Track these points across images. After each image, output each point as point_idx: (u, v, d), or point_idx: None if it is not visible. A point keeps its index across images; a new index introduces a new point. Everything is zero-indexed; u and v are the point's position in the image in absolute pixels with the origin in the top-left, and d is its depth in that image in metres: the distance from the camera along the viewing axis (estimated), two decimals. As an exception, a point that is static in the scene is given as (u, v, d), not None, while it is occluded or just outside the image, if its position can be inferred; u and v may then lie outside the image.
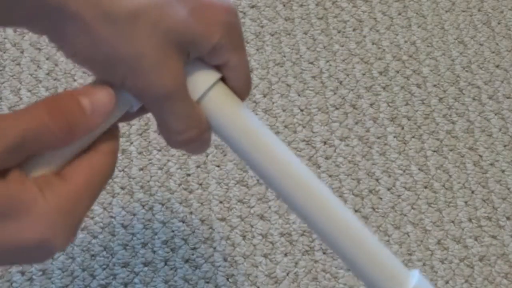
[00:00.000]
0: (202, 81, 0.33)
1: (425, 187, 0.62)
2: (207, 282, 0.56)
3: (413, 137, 0.64)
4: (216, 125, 0.34)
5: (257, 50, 0.67)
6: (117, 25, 0.29)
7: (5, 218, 0.27)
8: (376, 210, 0.60)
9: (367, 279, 0.33)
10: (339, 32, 0.69)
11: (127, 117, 0.35)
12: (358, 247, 0.33)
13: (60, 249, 0.29)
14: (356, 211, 0.60)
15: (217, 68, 0.34)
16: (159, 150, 0.61)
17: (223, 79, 0.34)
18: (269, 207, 0.59)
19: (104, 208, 0.58)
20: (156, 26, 0.30)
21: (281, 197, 0.34)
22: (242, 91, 0.35)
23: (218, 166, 0.61)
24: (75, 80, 0.63)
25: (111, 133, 0.32)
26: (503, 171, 0.63)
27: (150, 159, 0.60)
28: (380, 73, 0.67)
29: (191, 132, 0.33)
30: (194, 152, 0.37)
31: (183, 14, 0.31)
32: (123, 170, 0.59)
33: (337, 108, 0.65)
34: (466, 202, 0.61)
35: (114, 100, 0.31)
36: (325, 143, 0.63)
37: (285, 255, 0.58)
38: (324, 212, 0.33)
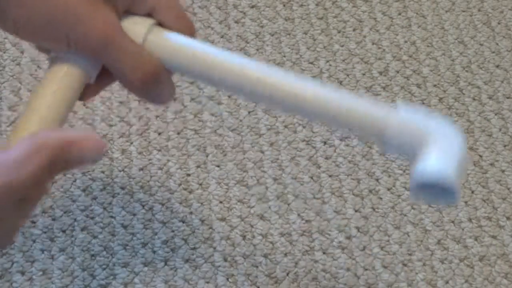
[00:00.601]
0: (138, 29, 0.37)
1: (425, 187, 0.62)
2: (207, 282, 0.56)
3: (413, 137, 0.64)
4: (166, 61, 0.38)
5: (257, 50, 0.67)
6: None
7: None
8: (376, 210, 0.60)
9: (358, 125, 0.36)
10: (339, 32, 0.69)
11: (90, 92, 0.39)
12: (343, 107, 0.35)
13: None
14: (356, 211, 0.60)
15: (150, 15, 0.38)
16: (159, 150, 0.61)
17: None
18: (269, 207, 0.59)
19: (104, 208, 0.58)
20: None
21: (254, 99, 0.38)
22: (182, 30, 0.38)
23: (218, 166, 0.61)
24: (75, 80, 0.63)
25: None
26: (503, 171, 0.63)
27: (150, 159, 0.60)
28: (380, 73, 0.67)
29: (143, 69, 0.36)
30: (160, 99, 0.39)
31: None
32: (123, 170, 0.59)
33: (337, 108, 0.65)
34: (466, 202, 0.61)
35: (102, 151, 0.35)
36: (325, 143, 0.63)
37: (285, 255, 0.58)
38: (293, 91, 0.37)
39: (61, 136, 0.33)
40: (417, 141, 0.34)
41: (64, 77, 0.37)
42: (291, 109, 0.38)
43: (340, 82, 0.66)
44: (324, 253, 0.58)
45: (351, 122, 0.36)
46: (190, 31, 0.39)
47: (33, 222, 0.57)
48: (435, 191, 0.32)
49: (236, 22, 0.68)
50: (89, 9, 0.35)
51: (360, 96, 0.37)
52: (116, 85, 0.63)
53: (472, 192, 0.62)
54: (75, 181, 0.58)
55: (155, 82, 0.37)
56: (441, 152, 0.32)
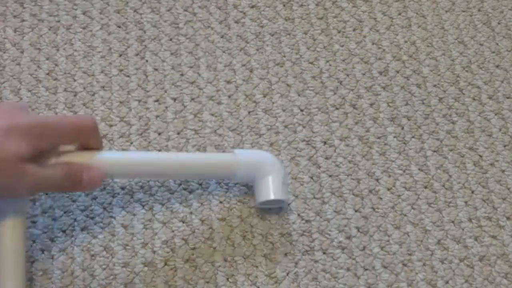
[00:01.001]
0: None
1: (425, 187, 0.62)
2: (207, 282, 0.56)
3: (413, 137, 0.64)
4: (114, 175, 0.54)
5: (257, 50, 0.67)
6: None
7: None
8: (376, 210, 0.60)
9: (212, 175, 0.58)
10: (339, 32, 0.69)
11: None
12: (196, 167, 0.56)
13: None
14: (356, 211, 0.60)
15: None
16: (159, 150, 0.61)
17: None
18: (269, 207, 0.59)
19: (104, 208, 0.58)
20: (3, 161, 0.46)
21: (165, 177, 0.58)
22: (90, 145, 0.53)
23: (218, 166, 0.61)
24: (75, 80, 0.63)
25: None
26: (503, 171, 0.63)
27: (150, 159, 0.60)
28: (380, 73, 0.67)
29: (83, 177, 0.50)
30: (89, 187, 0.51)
31: (21, 143, 0.47)
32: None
33: (337, 108, 0.65)
34: (466, 202, 0.61)
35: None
36: (325, 143, 0.63)
37: (285, 255, 0.58)
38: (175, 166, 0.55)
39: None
40: (257, 173, 0.56)
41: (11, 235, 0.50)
42: (173, 176, 0.58)
43: (340, 82, 0.66)
44: (324, 253, 0.58)
45: (210, 174, 0.57)
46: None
47: (33, 222, 0.57)
48: (273, 202, 0.57)
49: (236, 22, 0.68)
50: (16, 173, 0.47)
51: (207, 154, 0.59)
52: (116, 85, 0.63)
53: (472, 192, 0.62)
54: (75, 181, 0.58)
55: (75, 172, 0.51)
56: (273, 180, 0.56)
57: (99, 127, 0.61)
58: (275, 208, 0.59)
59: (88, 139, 0.51)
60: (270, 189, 0.56)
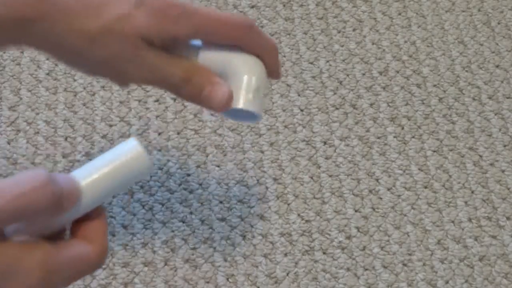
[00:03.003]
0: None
1: (425, 187, 0.62)
2: (207, 282, 0.56)
3: (413, 137, 0.64)
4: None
5: (257, 50, 0.67)
6: (91, 38, 0.39)
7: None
8: (376, 210, 0.60)
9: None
10: (339, 32, 0.69)
11: None
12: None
13: None
14: (356, 211, 0.60)
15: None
16: (159, 150, 0.61)
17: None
18: (269, 207, 0.59)
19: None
20: (122, 33, 0.39)
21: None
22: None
23: (218, 166, 0.61)
24: (75, 80, 0.63)
25: (102, 219, 0.37)
26: (503, 171, 0.63)
27: (150, 159, 0.60)
28: (380, 73, 0.67)
29: (205, 89, 0.42)
30: (214, 102, 0.42)
31: (149, 18, 0.39)
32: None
33: (337, 108, 0.65)
34: (466, 202, 0.61)
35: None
36: (325, 143, 0.63)
37: (285, 255, 0.58)
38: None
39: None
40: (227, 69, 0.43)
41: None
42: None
43: (340, 82, 0.66)
44: (324, 253, 0.58)
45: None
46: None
47: (33, 222, 0.57)
48: (243, 114, 0.44)
49: (236, 22, 0.68)
50: (135, 52, 0.40)
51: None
52: (116, 85, 0.63)
53: (472, 192, 0.62)
54: (75, 181, 0.58)
55: (199, 79, 0.43)
56: (247, 81, 0.42)
57: (100, 127, 0.61)
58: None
59: (243, 39, 0.42)
60: (240, 95, 0.42)
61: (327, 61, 0.67)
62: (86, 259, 0.35)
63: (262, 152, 0.62)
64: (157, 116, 0.62)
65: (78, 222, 0.36)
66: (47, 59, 0.64)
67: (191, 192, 0.59)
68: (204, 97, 0.42)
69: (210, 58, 0.43)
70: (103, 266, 0.56)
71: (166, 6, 0.40)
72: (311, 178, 0.61)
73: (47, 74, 0.63)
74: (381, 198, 0.61)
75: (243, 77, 0.42)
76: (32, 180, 0.31)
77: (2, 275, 0.31)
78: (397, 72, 0.67)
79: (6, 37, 0.39)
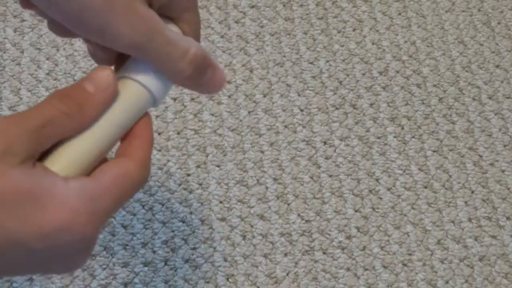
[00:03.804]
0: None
1: (425, 187, 0.62)
2: (207, 282, 0.56)
3: (413, 137, 0.64)
4: None
5: (257, 50, 0.67)
6: None
7: (28, 204, 0.29)
8: (376, 210, 0.60)
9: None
10: (339, 32, 0.69)
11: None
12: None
13: (86, 239, 0.30)
14: (356, 211, 0.60)
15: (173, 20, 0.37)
16: (159, 150, 0.61)
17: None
18: (269, 207, 0.59)
19: (104, 208, 0.58)
20: None
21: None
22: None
23: (218, 166, 0.61)
24: (75, 80, 0.63)
25: (144, 137, 0.35)
26: (503, 171, 0.63)
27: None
28: (380, 73, 0.67)
29: (192, 53, 0.35)
30: (213, 84, 0.38)
31: None
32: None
33: (337, 108, 0.65)
34: (466, 202, 0.61)
35: (112, 75, 0.33)
36: (325, 143, 0.63)
37: (285, 255, 0.58)
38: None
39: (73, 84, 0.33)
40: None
41: (129, 102, 0.35)
42: None
43: (340, 82, 0.66)
44: (324, 253, 0.58)
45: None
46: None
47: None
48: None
49: (236, 22, 0.68)
50: (125, 5, 0.33)
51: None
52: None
53: (472, 192, 0.62)
54: (75, 181, 0.58)
55: (205, 64, 0.36)
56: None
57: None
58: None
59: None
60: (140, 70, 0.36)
61: (327, 61, 0.67)
62: (127, 176, 0.33)
63: (262, 152, 0.62)
64: (157, 116, 0.62)
65: (121, 142, 0.35)
66: (47, 59, 0.64)
67: (191, 192, 0.59)
68: (207, 78, 0.37)
69: None
70: (103, 266, 0.56)
71: None
72: (311, 178, 0.61)
73: (47, 74, 0.63)
74: (381, 198, 0.61)
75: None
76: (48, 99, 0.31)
77: (35, 201, 0.29)
78: (397, 72, 0.67)
79: None
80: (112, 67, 0.35)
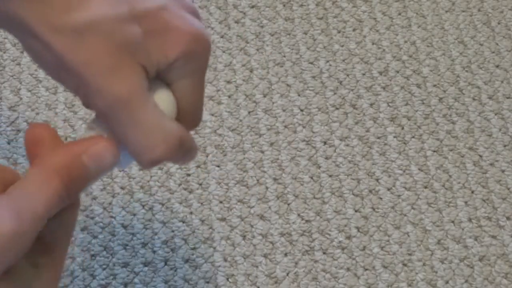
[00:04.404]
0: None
1: (425, 187, 0.62)
2: (207, 282, 0.56)
3: (413, 137, 0.64)
4: None
5: (257, 50, 0.67)
6: (65, 36, 0.29)
7: None
8: (376, 210, 0.60)
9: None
10: (339, 32, 0.69)
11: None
12: None
13: None
14: (356, 211, 0.60)
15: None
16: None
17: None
18: (269, 207, 0.59)
19: (104, 208, 0.58)
20: (106, 38, 0.29)
21: None
22: (188, 117, 0.34)
23: (218, 166, 0.61)
24: (75, 80, 0.63)
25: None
26: (503, 171, 0.63)
27: (150, 159, 0.60)
28: (380, 73, 0.67)
29: (160, 148, 0.30)
30: (183, 163, 0.35)
31: (137, 33, 0.30)
32: (123, 170, 0.59)
33: (337, 108, 0.65)
34: (466, 202, 0.61)
35: (115, 152, 0.30)
36: (325, 143, 0.63)
37: (285, 255, 0.58)
38: None
39: (66, 152, 0.29)
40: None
41: None
42: None
43: (340, 82, 0.66)
44: (324, 253, 0.58)
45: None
46: (195, 122, 0.35)
47: (33, 222, 0.57)
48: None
49: (236, 22, 0.68)
50: (109, 65, 0.30)
51: None
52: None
53: (472, 192, 0.62)
54: (75, 181, 0.58)
55: (180, 153, 0.32)
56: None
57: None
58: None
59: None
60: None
61: (327, 61, 0.67)
62: None
63: (262, 152, 0.62)
64: (157, 116, 0.62)
65: None
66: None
67: (191, 192, 0.59)
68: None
69: None
70: (103, 266, 0.56)
71: (178, 35, 0.32)
72: (311, 178, 0.61)
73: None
74: (381, 198, 0.61)
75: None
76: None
77: None
78: (397, 72, 0.67)
79: None
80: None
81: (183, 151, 0.32)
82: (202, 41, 0.32)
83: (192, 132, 0.61)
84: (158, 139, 0.30)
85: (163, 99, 0.32)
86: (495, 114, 0.66)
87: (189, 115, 0.33)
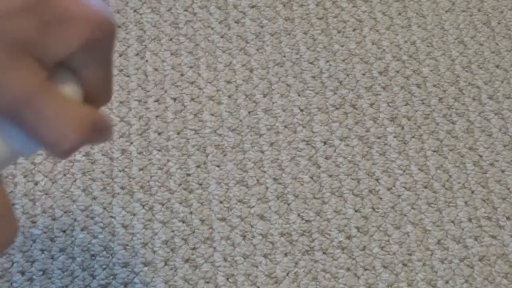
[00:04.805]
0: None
1: (425, 187, 0.62)
2: (207, 282, 0.56)
3: (413, 137, 0.64)
4: None
5: (257, 50, 0.67)
6: None
7: None
8: (376, 210, 0.60)
9: None
10: (339, 32, 0.69)
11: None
12: None
13: None
14: (356, 211, 0.60)
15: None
16: (159, 150, 0.61)
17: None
18: (269, 207, 0.59)
19: (104, 208, 0.58)
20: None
21: None
22: (98, 97, 0.33)
23: (218, 166, 0.61)
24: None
25: None
26: (503, 171, 0.63)
27: (150, 159, 0.60)
28: (380, 73, 0.67)
29: (71, 138, 0.30)
30: (100, 142, 0.34)
31: (31, 27, 0.29)
32: (123, 170, 0.59)
33: (337, 108, 0.65)
34: (466, 202, 0.61)
35: None
36: (325, 143, 0.63)
37: (285, 255, 0.58)
38: None
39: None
40: None
41: None
42: None
43: (340, 82, 0.66)
44: (324, 253, 0.58)
45: None
46: (103, 100, 0.34)
47: (33, 222, 0.57)
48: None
49: (236, 22, 0.68)
50: (4, 60, 0.28)
51: None
52: (116, 85, 0.63)
53: (472, 192, 0.62)
54: (75, 181, 0.59)
55: (94, 135, 0.31)
56: None
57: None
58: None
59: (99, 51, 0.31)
60: None
61: (327, 61, 0.67)
62: None
63: (262, 152, 0.62)
64: (157, 116, 0.62)
65: None
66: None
67: (191, 192, 0.59)
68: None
69: None
70: (103, 266, 0.56)
71: (75, 23, 0.31)
72: (311, 178, 0.61)
73: (47, 74, 0.63)
74: (381, 198, 0.61)
75: None
76: None
77: None
78: (397, 72, 0.67)
79: None
80: None
81: (97, 133, 0.31)
82: (104, 28, 0.30)
83: (192, 132, 0.62)
84: (68, 129, 0.30)
85: (67, 85, 0.31)
86: (495, 114, 0.66)
87: (98, 95, 0.33)
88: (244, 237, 0.58)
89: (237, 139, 0.62)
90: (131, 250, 0.57)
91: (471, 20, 0.71)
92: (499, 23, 0.71)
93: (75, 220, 0.57)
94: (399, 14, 0.71)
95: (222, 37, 0.67)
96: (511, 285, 0.58)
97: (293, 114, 0.64)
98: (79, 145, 0.30)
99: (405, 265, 0.58)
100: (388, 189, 0.61)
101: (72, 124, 0.30)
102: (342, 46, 0.68)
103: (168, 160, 0.60)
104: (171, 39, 0.66)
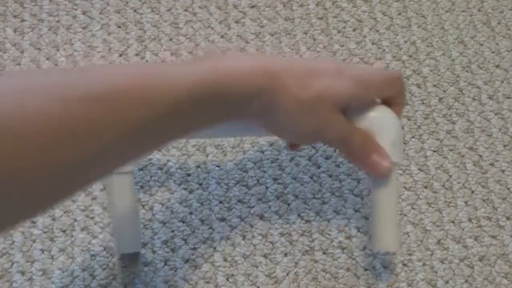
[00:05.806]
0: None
1: (425, 187, 0.62)
2: (207, 282, 0.56)
3: (413, 137, 0.64)
4: None
5: (257, 50, 0.67)
6: (303, 106, 0.44)
7: None
8: (376, 210, 0.60)
9: None
10: (339, 32, 0.69)
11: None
12: None
13: None
14: (356, 211, 0.60)
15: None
16: (159, 150, 0.61)
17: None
18: (269, 207, 0.59)
19: (104, 208, 0.58)
20: (330, 100, 0.45)
21: None
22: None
23: (218, 166, 0.61)
24: (75, 80, 0.63)
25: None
26: (503, 171, 0.63)
27: (150, 159, 0.60)
28: (380, 73, 0.67)
29: (372, 156, 0.49)
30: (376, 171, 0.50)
31: (349, 86, 0.46)
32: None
33: (337, 108, 0.64)
34: (466, 202, 0.61)
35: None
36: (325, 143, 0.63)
37: (285, 255, 0.58)
38: None
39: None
40: None
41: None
42: None
43: (340, 82, 0.66)
44: (324, 253, 0.58)
45: None
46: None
47: (33, 222, 0.57)
48: None
49: (236, 22, 0.68)
50: (334, 119, 0.46)
51: None
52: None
53: (472, 192, 0.62)
54: (75, 181, 0.58)
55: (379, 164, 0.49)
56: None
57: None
58: (274, 205, 0.59)
59: (394, 92, 0.50)
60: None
61: (327, 61, 0.67)
62: None
63: (262, 152, 0.62)
64: (157, 116, 0.62)
65: None
66: (47, 59, 0.64)
67: (191, 192, 0.59)
68: (370, 162, 0.49)
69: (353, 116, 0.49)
70: (103, 266, 0.56)
71: (354, 74, 0.47)
72: (311, 178, 0.61)
73: (47, 74, 0.63)
74: (381, 198, 0.61)
75: (383, 135, 0.49)
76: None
77: None
78: (397, 72, 0.67)
79: (233, 109, 0.42)
80: None
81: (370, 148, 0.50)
82: (390, 81, 0.51)
83: (192, 132, 0.62)
84: (367, 150, 0.50)
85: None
86: (495, 114, 0.66)
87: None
88: (244, 237, 0.58)
89: (237, 139, 0.62)
90: (131, 250, 0.57)
91: (471, 20, 0.71)
92: (499, 23, 0.71)
93: (75, 220, 0.57)
94: (399, 14, 0.71)
95: (222, 37, 0.67)
96: (511, 285, 0.58)
97: (293, 114, 0.64)
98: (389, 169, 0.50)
99: (405, 265, 0.58)
100: (388, 189, 0.61)
101: (380, 156, 0.49)
102: (342, 46, 0.68)
103: (168, 160, 0.60)
104: (171, 39, 0.66)
